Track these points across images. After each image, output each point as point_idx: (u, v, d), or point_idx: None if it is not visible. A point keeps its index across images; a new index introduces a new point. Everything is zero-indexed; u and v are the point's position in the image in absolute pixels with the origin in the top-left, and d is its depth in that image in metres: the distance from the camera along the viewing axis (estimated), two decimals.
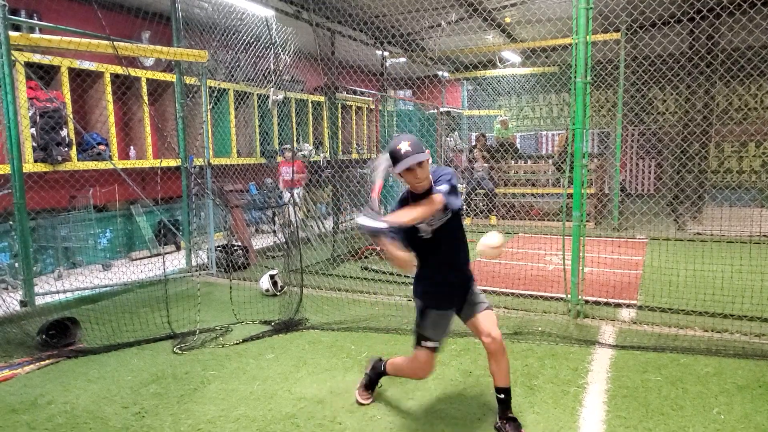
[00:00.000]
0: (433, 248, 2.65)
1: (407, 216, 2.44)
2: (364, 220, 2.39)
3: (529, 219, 9.83)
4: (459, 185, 2.77)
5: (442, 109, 11.86)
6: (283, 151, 8.72)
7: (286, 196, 8.07)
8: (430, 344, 2.72)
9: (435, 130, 10.55)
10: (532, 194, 10.32)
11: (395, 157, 2.53)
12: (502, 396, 2.72)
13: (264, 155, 8.97)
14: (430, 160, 2.59)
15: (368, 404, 3.09)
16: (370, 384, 3.15)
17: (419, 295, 2.75)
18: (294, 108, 9.46)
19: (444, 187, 2.50)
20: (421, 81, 12.07)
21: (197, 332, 4.31)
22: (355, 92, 11.10)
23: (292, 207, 7.12)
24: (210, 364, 3.75)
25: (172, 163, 6.98)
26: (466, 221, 10.09)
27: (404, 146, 2.50)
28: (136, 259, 7.01)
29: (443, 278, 2.70)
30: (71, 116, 6.12)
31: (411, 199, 2.63)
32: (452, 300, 2.72)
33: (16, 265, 5.57)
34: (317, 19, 7.79)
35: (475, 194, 10.33)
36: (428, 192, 2.56)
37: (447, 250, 2.67)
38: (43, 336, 3.98)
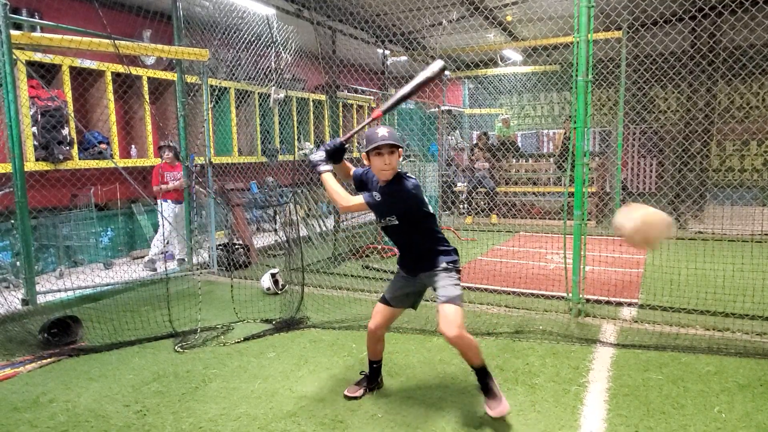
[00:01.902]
0: (394, 235, 3.01)
1: (331, 185, 2.80)
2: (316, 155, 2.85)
3: (530, 218, 9.84)
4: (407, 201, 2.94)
5: (443, 108, 11.84)
6: (164, 149, 6.56)
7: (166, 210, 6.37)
8: (380, 297, 3.10)
9: (436, 129, 10.54)
10: (533, 193, 10.32)
11: (371, 139, 2.75)
12: (477, 375, 2.86)
13: (265, 154, 8.96)
14: (401, 158, 2.82)
15: (359, 396, 3.13)
16: (366, 380, 3.22)
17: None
18: (295, 107, 9.46)
19: (376, 194, 2.79)
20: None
21: (198, 331, 4.32)
22: (356, 91, 11.09)
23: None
24: (211, 362, 3.75)
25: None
26: (467, 220, 10.10)
27: (382, 131, 2.76)
28: (137, 258, 7.01)
29: (400, 252, 3.08)
30: (72, 115, 6.13)
31: (370, 183, 2.94)
32: (403, 266, 3.05)
33: (18, 263, 5.58)
34: (318, 17, 7.79)
35: (476, 193, 10.33)
36: (386, 185, 2.82)
37: (402, 241, 3.00)
38: (45, 334, 3.99)
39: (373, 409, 3.05)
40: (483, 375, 2.85)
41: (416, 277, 2.99)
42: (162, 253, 6.30)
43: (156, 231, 6.74)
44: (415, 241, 2.94)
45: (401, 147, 2.78)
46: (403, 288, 3.05)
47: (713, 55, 8.06)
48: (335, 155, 2.89)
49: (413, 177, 2.85)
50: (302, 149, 9.54)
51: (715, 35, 8.31)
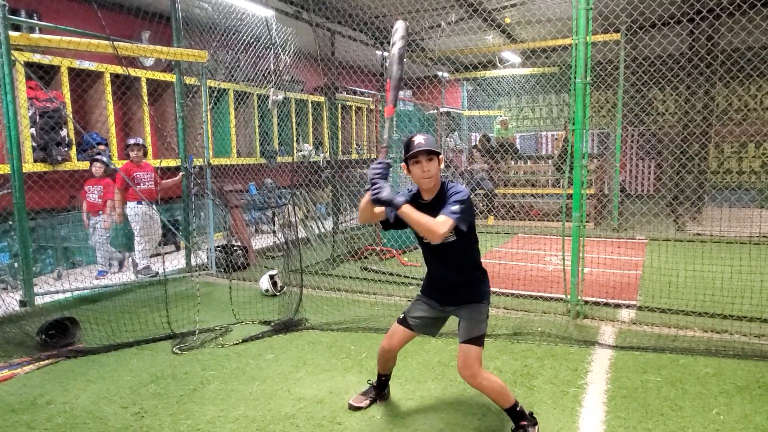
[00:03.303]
0: (431, 254, 2.77)
1: (418, 216, 2.43)
2: (383, 187, 2.40)
3: (529, 219, 9.84)
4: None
5: (441, 110, 11.86)
6: (92, 159, 6.14)
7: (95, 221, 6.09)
8: (399, 318, 2.93)
9: (435, 131, 10.54)
10: (532, 195, 10.32)
11: (408, 147, 2.60)
12: (508, 414, 2.70)
13: (264, 155, 8.97)
14: (442, 165, 2.65)
15: (365, 406, 3.06)
16: (372, 390, 3.13)
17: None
18: (294, 108, 9.47)
19: (456, 208, 2.46)
20: (421, 81, 12.08)
21: (197, 332, 4.31)
22: (354, 92, 11.10)
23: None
24: (209, 364, 3.75)
25: (172, 163, 6.99)
26: None
27: (418, 138, 2.58)
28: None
29: (431, 279, 2.88)
30: (71, 116, 6.12)
31: (417, 205, 2.56)
32: (432, 295, 2.85)
33: (16, 265, 5.57)
34: (317, 19, 7.80)
35: (475, 194, 10.34)
36: (434, 201, 2.61)
37: (447, 258, 2.73)
38: (43, 336, 3.98)
39: (371, 410, 3.04)
40: (516, 417, 2.67)
41: (444, 308, 2.81)
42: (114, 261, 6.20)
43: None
44: (463, 260, 2.72)
45: (440, 154, 2.60)
46: (428, 313, 2.86)
47: (711, 58, 8.08)
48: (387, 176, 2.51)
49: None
50: (301, 151, 9.55)
51: (713, 38, 8.34)
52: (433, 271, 2.84)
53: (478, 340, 2.64)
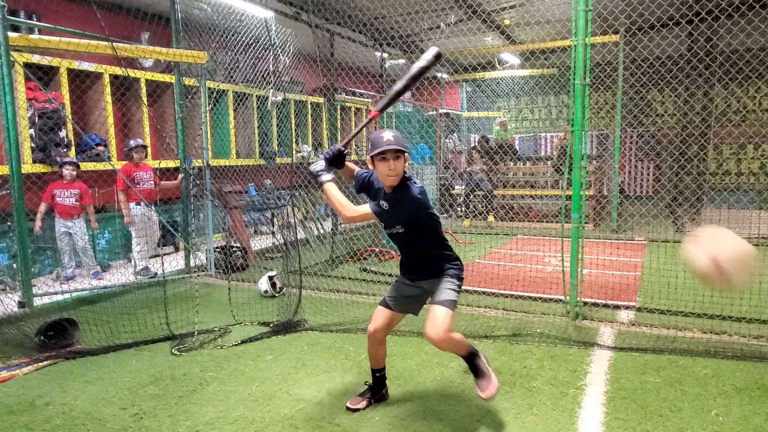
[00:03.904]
0: (399, 242, 2.95)
1: (335, 196, 2.72)
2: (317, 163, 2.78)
3: (528, 220, 9.84)
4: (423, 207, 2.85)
5: (441, 111, 11.87)
6: (62, 163, 5.88)
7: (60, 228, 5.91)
8: (381, 300, 3.06)
9: (434, 132, 10.56)
10: (531, 196, 10.33)
11: (376, 143, 2.69)
12: (465, 360, 2.90)
13: (263, 156, 8.97)
14: (407, 164, 2.75)
15: (362, 408, 3.06)
16: (369, 391, 3.14)
17: None
18: (293, 109, 9.47)
19: (384, 204, 2.69)
20: (420, 82, 12.12)
21: (196, 333, 4.31)
22: (354, 93, 11.10)
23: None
24: (208, 365, 3.74)
25: (171, 164, 6.98)
26: (465, 223, 10.11)
27: (388, 135, 2.68)
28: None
29: (401, 259, 3.07)
30: (70, 117, 6.12)
31: (380, 193, 2.82)
32: (404, 273, 3.02)
33: (15, 265, 5.56)
34: (316, 20, 7.80)
35: (474, 195, 10.35)
36: (391, 192, 2.74)
37: (406, 249, 2.98)
38: (41, 337, 3.98)
39: (370, 412, 3.04)
40: (470, 358, 2.89)
41: (415, 283, 2.96)
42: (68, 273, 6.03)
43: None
44: (420, 249, 2.90)
45: (407, 152, 2.70)
46: (403, 292, 2.99)
47: (710, 59, 8.10)
48: (336, 161, 2.82)
49: (418, 181, 2.79)
50: (300, 152, 9.55)
51: (712, 39, 8.35)
52: (402, 253, 3.05)
53: (446, 303, 2.77)
